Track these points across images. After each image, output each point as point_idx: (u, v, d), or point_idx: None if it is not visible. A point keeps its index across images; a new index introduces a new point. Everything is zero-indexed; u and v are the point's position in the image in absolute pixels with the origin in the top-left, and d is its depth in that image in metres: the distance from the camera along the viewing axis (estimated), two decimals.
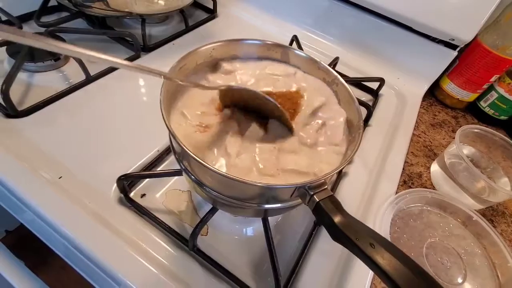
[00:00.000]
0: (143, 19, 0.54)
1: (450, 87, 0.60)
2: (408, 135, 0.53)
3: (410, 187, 0.45)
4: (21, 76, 0.46)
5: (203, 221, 0.30)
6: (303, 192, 0.22)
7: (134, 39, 0.52)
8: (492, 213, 0.45)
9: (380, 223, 0.38)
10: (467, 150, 0.48)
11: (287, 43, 0.63)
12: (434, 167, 0.48)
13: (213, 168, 0.21)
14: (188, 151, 0.21)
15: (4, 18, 0.50)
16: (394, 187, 0.44)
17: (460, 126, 0.45)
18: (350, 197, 0.41)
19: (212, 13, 0.68)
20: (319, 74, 0.33)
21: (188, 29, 0.62)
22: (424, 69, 0.61)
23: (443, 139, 0.55)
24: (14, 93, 0.42)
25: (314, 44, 0.66)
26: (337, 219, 0.20)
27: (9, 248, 0.83)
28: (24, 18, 0.52)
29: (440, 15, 0.53)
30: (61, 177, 0.35)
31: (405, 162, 0.48)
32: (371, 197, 0.41)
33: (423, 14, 0.55)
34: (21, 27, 0.48)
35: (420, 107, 0.60)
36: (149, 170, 0.38)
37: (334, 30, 0.66)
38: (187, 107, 0.28)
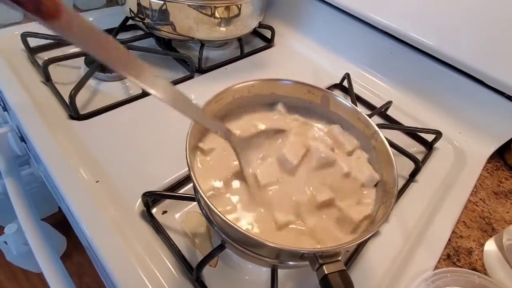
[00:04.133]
0: (202, 44, 0.58)
1: None
2: (462, 201, 0.46)
3: (454, 264, 0.39)
4: (91, 83, 0.52)
5: (211, 255, 0.30)
6: (313, 258, 0.20)
7: (190, 61, 0.56)
8: None
9: None
10: None
11: (339, 79, 0.62)
12: (490, 246, 0.41)
13: (219, 213, 0.20)
14: (199, 188, 0.21)
15: None
16: (434, 260, 0.38)
17: None
18: (377, 261, 0.37)
19: (269, 42, 0.70)
20: (359, 125, 0.31)
21: (243, 56, 0.64)
22: (492, 127, 0.54)
23: (507, 213, 0.46)
24: (82, 97, 0.48)
25: (368, 84, 0.63)
26: None
27: (57, 223, 0.93)
28: None
29: None
30: (98, 181, 0.38)
31: (453, 232, 0.42)
32: (403, 267, 0.36)
33: (498, 67, 0.49)
34: None
35: (483, 170, 0.52)
36: (175, 189, 0.39)
37: (392, 72, 0.63)
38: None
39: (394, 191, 0.24)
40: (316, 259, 0.20)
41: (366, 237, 0.20)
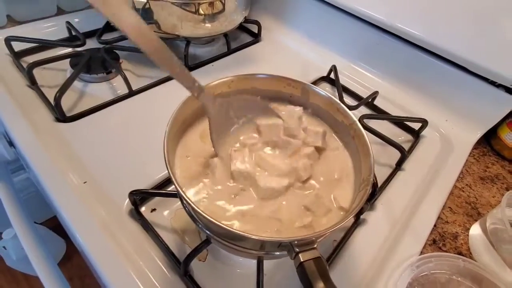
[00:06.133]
0: (188, 41, 0.58)
1: (510, 138, 0.52)
2: (448, 187, 0.47)
3: (440, 249, 0.40)
4: (78, 85, 0.52)
5: (197, 249, 0.30)
6: (289, 247, 0.21)
7: None
8: None
9: (393, 286, 0.33)
10: None
11: (326, 72, 0.62)
12: (475, 230, 0.41)
13: (198, 209, 0.21)
14: (177, 186, 0.22)
15: (73, 33, 0.58)
16: (419, 246, 0.39)
17: None
18: (364, 249, 0.37)
19: (256, 37, 0.70)
20: (338, 115, 0.31)
21: (230, 52, 0.64)
22: (478, 114, 0.54)
23: (493, 197, 0.47)
24: (69, 99, 0.48)
25: (355, 75, 0.64)
26: (318, 287, 0.18)
27: (56, 226, 0.94)
28: (89, 35, 0.59)
29: (502, 57, 0.47)
30: (85, 182, 0.38)
31: (439, 218, 0.43)
32: (390, 253, 0.37)
33: (482, 54, 0.49)
34: (84, 43, 0.55)
35: (470, 156, 0.53)
36: (163, 187, 0.39)
37: (379, 63, 0.63)
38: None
39: (370, 178, 0.24)
40: (293, 247, 0.20)
41: (340, 225, 0.21)
